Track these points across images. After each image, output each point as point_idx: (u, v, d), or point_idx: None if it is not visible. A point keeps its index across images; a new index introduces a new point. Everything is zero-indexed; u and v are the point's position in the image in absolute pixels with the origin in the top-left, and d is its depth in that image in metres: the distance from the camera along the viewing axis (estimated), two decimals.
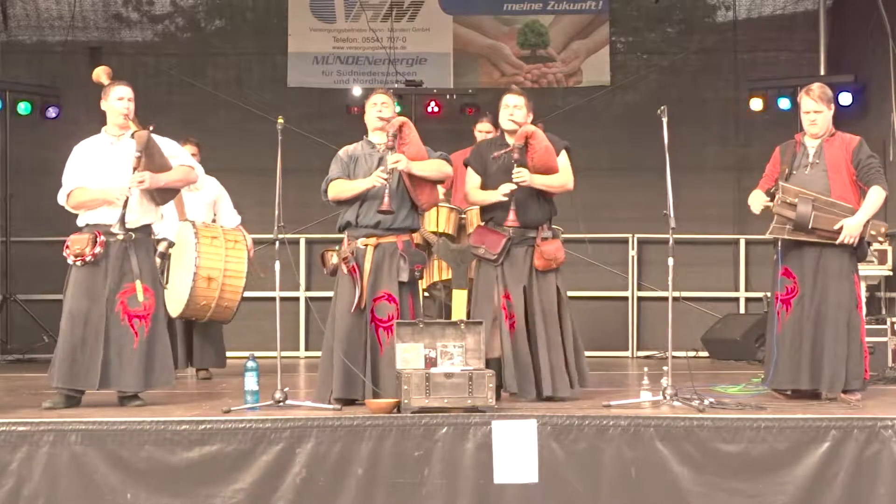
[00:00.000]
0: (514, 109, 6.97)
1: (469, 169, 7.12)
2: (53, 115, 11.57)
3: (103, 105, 6.89)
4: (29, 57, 12.06)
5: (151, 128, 6.82)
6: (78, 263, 6.71)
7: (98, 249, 6.67)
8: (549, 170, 6.92)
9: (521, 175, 6.83)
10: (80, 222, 6.84)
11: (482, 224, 7.12)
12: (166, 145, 6.94)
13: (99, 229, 6.72)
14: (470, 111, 11.42)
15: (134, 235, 6.77)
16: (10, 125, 11.60)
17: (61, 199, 6.83)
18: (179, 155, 7.03)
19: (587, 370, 7.07)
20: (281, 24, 12.23)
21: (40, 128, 11.56)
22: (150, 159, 6.75)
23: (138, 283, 6.73)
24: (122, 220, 6.68)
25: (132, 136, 6.78)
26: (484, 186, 7.03)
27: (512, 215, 6.83)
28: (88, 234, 6.72)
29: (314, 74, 12.22)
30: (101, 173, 6.78)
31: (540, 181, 6.90)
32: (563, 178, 6.99)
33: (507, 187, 6.82)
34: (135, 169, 6.70)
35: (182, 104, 11.96)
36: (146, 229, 6.94)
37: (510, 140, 7.00)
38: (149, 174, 6.73)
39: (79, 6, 11.97)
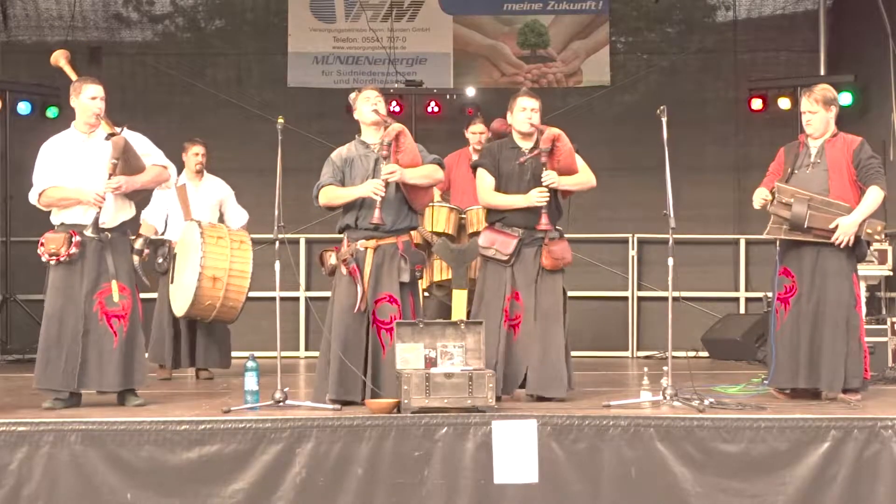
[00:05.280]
0: (531, 112, 6.94)
1: (481, 171, 7.02)
2: (53, 115, 11.57)
3: (73, 102, 6.82)
4: (29, 57, 12.02)
5: (125, 128, 6.77)
6: (52, 262, 6.67)
7: (73, 250, 6.63)
8: (571, 171, 6.92)
9: (551, 178, 6.82)
10: (54, 221, 6.79)
11: (490, 225, 7.06)
12: (139, 143, 6.87)
13: (74, 229, 6.68)
14: (470, 111, 11.36)
15: (110, 236, 6.72)
16: (10, 125, 11.60)
17: (33, 198, 6.77)
18: (152, 153, 6.95)
19: (573, 372, 7.05)
20: (281, 24, 12.24)
21: (40, 128, 11.49)
22: (126, 164, 6.70)
23: (114, 283, 6.68)
24: (96, 224, 6.62)
25: (107, 138, 6.69)
26: (498, 188, 7.00)
27: (545, 219, 6.81)
28: (63, 233, 6.67)
29: (314, 74, 12.23)
30: (74, 171, 6.72)
31: (567, 182, 6.90)
32: (586, 176, 7.00)
33: (539, 193, 6.80)
34: (111, 175, 6.65)
35: (182, 104, 11.98)
36: (122, 227, 6.87)
37: (522, 142, 6.99)
38: (124, 179, 6.68)
39: (79, 6, 11.97)
